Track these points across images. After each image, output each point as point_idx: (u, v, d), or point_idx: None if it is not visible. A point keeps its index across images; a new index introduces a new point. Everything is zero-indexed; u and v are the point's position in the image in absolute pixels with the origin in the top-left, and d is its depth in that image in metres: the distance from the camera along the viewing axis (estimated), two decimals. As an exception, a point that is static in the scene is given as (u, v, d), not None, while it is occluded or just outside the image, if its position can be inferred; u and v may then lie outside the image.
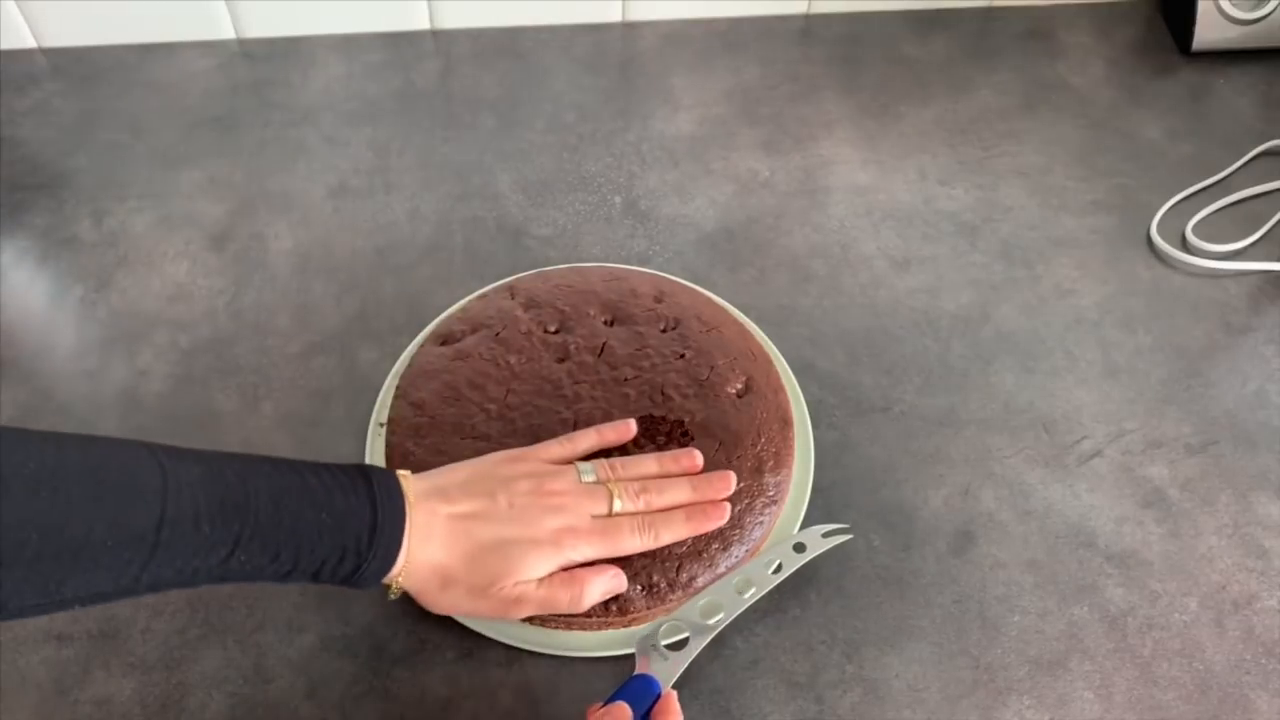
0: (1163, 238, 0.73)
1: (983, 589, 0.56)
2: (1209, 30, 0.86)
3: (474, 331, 0.62)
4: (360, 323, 0.67)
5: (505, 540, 0.48)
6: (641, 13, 0.89)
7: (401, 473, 0.48)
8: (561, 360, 0.60)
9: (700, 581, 0.53)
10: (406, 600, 0.54)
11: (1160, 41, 0.90)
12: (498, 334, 0.61)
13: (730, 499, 0.54)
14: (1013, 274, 0.71)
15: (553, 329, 0.62)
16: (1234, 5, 0.85)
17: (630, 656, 0.50)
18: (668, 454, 0.55)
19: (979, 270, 0.72)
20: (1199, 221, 0.75)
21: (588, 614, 0.51)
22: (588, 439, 0.55)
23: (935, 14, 0.91)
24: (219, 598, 0.54)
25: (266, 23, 0.86)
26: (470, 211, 0.74)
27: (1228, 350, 0.68)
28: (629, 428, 0.56)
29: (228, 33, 0.86)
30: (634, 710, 0.44)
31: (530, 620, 0.52)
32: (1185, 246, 0.73)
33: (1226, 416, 0.64)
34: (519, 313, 0.63)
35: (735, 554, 0.54)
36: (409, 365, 0.61)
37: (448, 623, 0.53)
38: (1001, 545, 0.58)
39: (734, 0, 0.89)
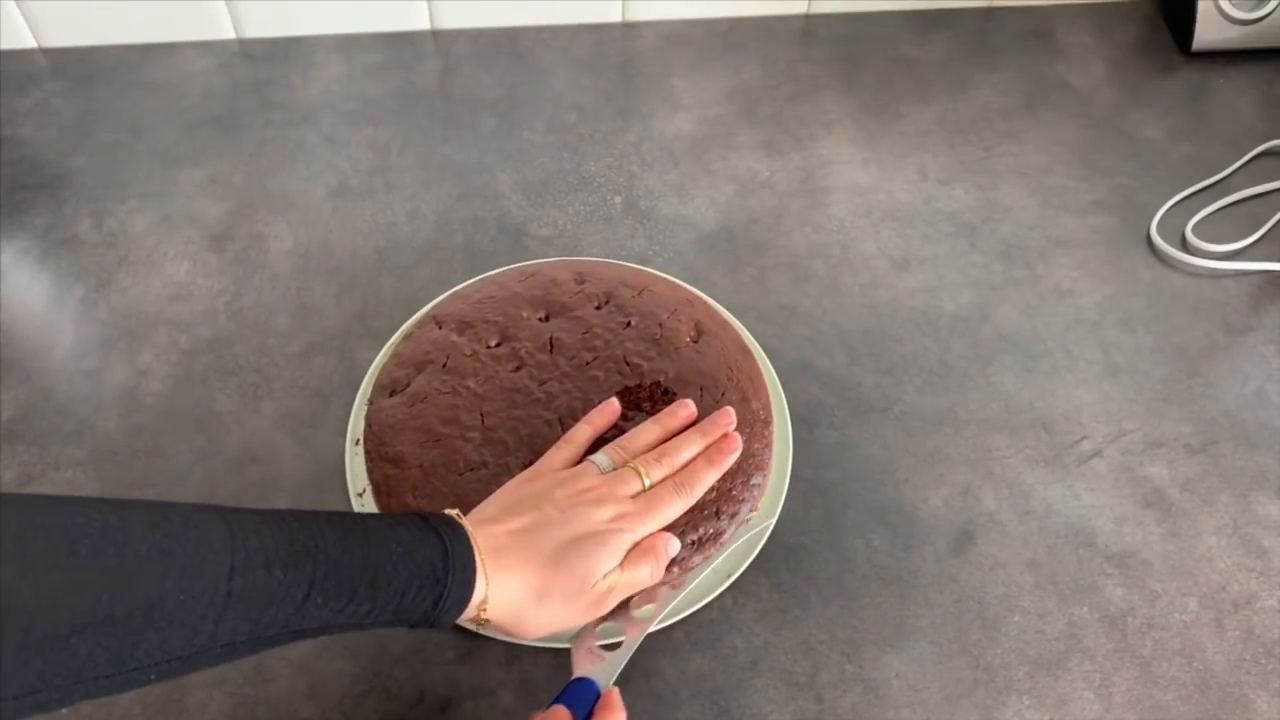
0: (1163, 238, 0.73)
1: (983, 589, 0.56)
2: (1209, 30, 0.86)
3: (419, 371, 0.60)
4: (360, 323, 0.67)
5: (575, 540, 0.48)
6: (641, 13, 0.89)
7: (450, 512, 0.47)
8: (518, 369, 0.59)
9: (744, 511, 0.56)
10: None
11: (1160, 41, 0.90)
12: (444, 365, 0.60)
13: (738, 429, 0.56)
14: (1013, 274, 0.71)
15: (494, 343, 0.61)
16: (1234, 5, 0.85)
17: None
18: (663, 412, 0.56)
19: (979, 270, 0.72)
20: (1199, 221, 0.75)
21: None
22: (583, 433, 0.55)
23: (935, 14, 0.92)
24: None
25: (266, 23, 0.86)
26: (470, 211, 0.74)
27: (1228, 350, 0.68)
28: (613, 408, 0.57)
29: (228, 33, 0.86)
30: (576, 713, 0.44)
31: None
32: (1185, 246, 0.73)
33: (1226, 416, 0.64)
34: (454, 338, 0.61)
35: (758, 480, 0.57)
36: (368, 426, 0.59)
37: (448, 623, 0.53)
38: (1001, 545, 0.58)
39: (734, 0, 0.89)
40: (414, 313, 0.66)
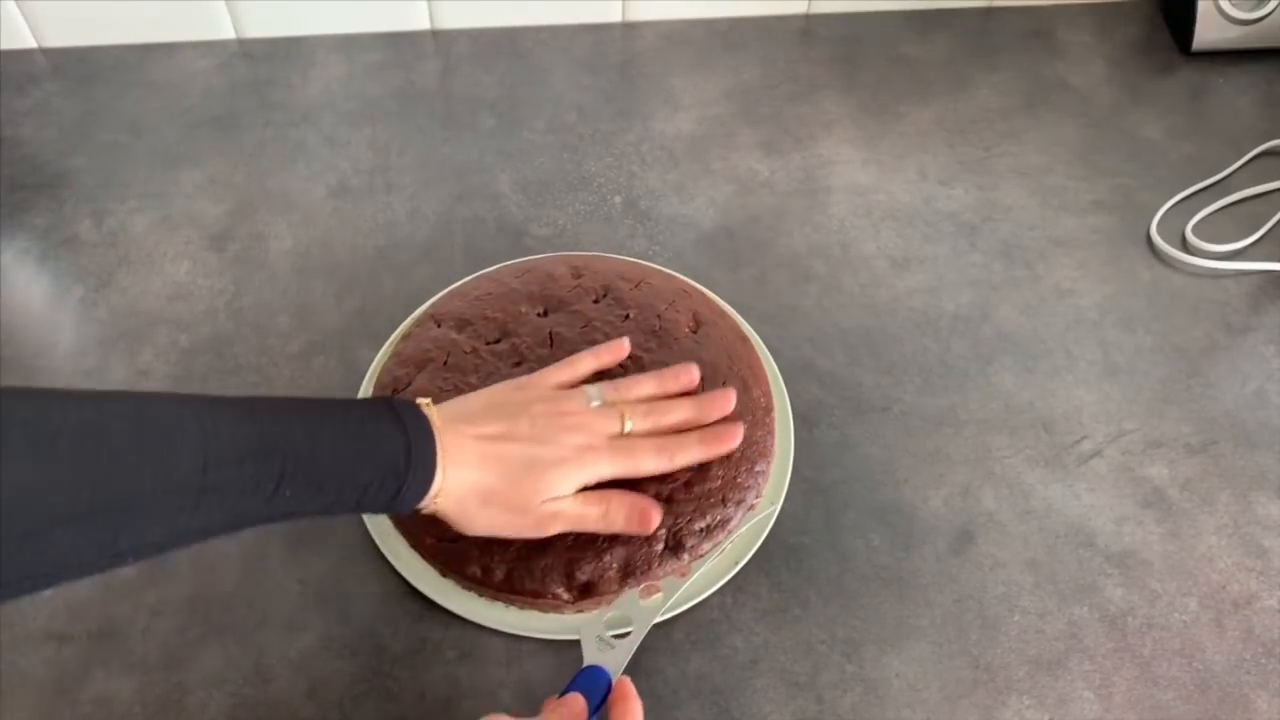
0: (1163, 238, 0.73)
1: (983, 589, 0.56)
2: (1209, 30, 0.86)
3: (419, 370, 0.60)
4: (360, 322, 0.67)
5: (534, 458, 0.49)
6: (641, 13, 0.89)
7: (422, 401, 0.49)
8: (518, 364, 0.59)
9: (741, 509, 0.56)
10: (407, 600, 0.54)
11: (1160, 41, 0.90)
12: (444, 363, 0.60)
13: (736, 419, 0.56)
14: (1013, 274, 0.71)
15: (494, 340, 0.61)
16: (1234, 5, 0.85)
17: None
18: (666, 371, 0.56)
19: (979, 270, 0.72)
20: (1199, 221, 0.75)
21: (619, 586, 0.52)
22: (586, 362, 0.56)
23: (935, 14, 0.92)
24: (219, 598, 0.54)
25: (266, 23, 0.86)
26: (470, 211, 0.74)
27: (1228, 350, 0.68)
28: (623, 346, 0.58)
29: (228, 33, 0.86)
30: (588, 700, 0.44)
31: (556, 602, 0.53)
32: (1185, 246, 0.73)
33: (1226, 416, 0.64)
34: (454, 336, 0.61)
35: (761, 468, 0.57)
36: None
37: (448, 622, 0.53)
38: (1001, 545, 0.58)
39: (734, 0, 0.89)
40: (414, 312, 0.66)
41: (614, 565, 0.53)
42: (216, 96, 0.82)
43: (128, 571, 0.55)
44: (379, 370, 0.62)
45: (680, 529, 0.54)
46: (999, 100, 0.84)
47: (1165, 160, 0.80)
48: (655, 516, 0.51)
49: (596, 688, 0.45)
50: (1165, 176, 0.78)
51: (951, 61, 0.88)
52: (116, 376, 0.64)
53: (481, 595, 0.54)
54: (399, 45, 0.87)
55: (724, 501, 0.55)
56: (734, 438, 0.55)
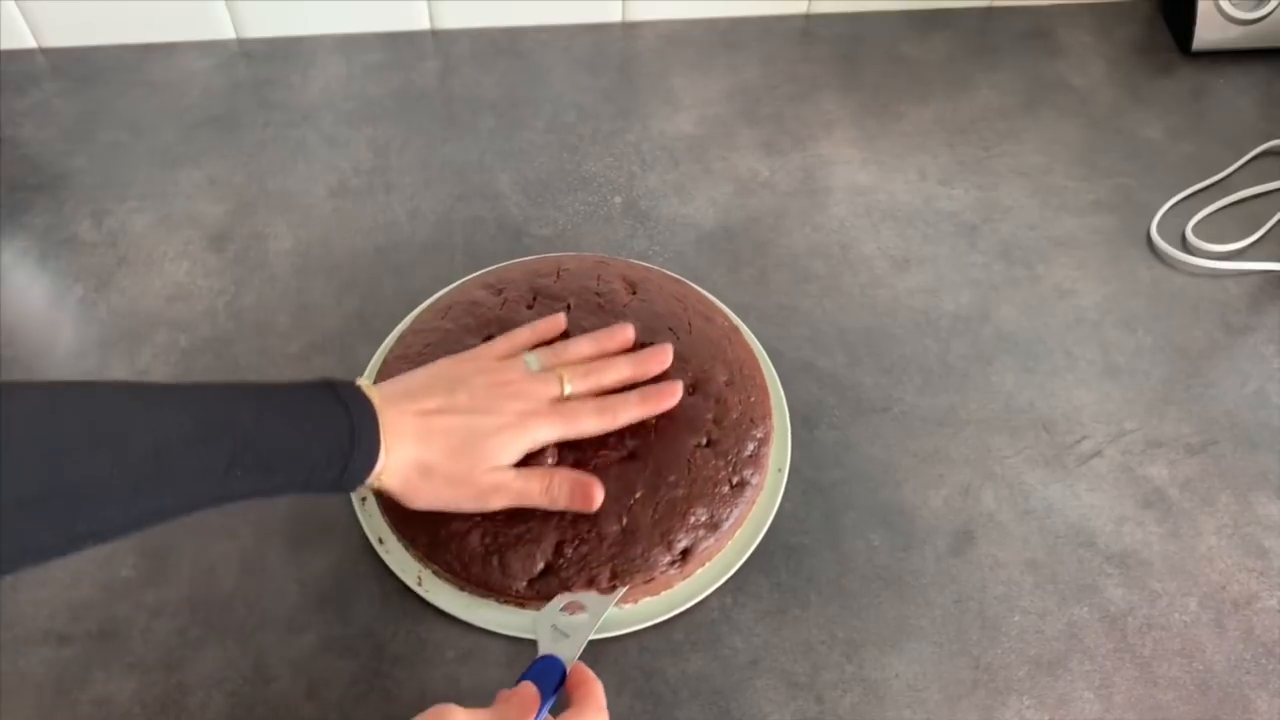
0: (1163, 238, 0.73)
1: (983, 589, 0.56)
2: (1209, 30, 0.86)
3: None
4: (360, 322, 0.67)
5: (473, 428, 0.50)
6: (641, 13, 0.89)
7: (361, 380, 0.50)
8: (489, 339, 0.59)
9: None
10: (406, 600, 0.54)
11: (1160, 41, 0.90)
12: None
13: (728, 407, 0.58)
14: (1013, 274, 0.71)
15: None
16: (1234, 5, 0.85)
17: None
18: (602, 331, 0.57)
19: (979, 270, 0.72)
20: (1199, 221, 0.75)
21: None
22: (523, 335, 0.57)
23: (935, 14, 0.92)
24: (219, 598, 0.54)
25: (266, 23, 0.86)
26: (470, 211, 0.74)
27: (1228, 350, 0.68)
28: (559, 320, 0.58)
29: (228, 33, 0.86)
30: (544, 689, 0.45)
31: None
32: (1185, 246, 0.73)
33: (1226, 416, 0.64)
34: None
35: (757, 431, 0.58)
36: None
37: (448, 623, 0.53)
38: (1001, 545, 0.58)
39: (734, 0, 0.89)
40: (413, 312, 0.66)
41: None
42: (216, 96, 0.82)
43: (128, 571, 0.55)
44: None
45: (674, 532, 0.54)
46: (999, 100, 0.84)
47: (1165, 160, 0.80)
48: (598, 493, 0.52)
49: (550, 676, 0.46)
50: (1165, 176, 0.78)
51: (951, 61, 0.88)
52: (116, 376, 0.63)
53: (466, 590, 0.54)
54: (399, 45, 0.87)
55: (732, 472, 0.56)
56: (673, 395, 0.55)
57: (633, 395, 0.55)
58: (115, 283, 0.69)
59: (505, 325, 0.60)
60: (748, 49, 0.88)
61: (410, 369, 0.56)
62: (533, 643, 0.52)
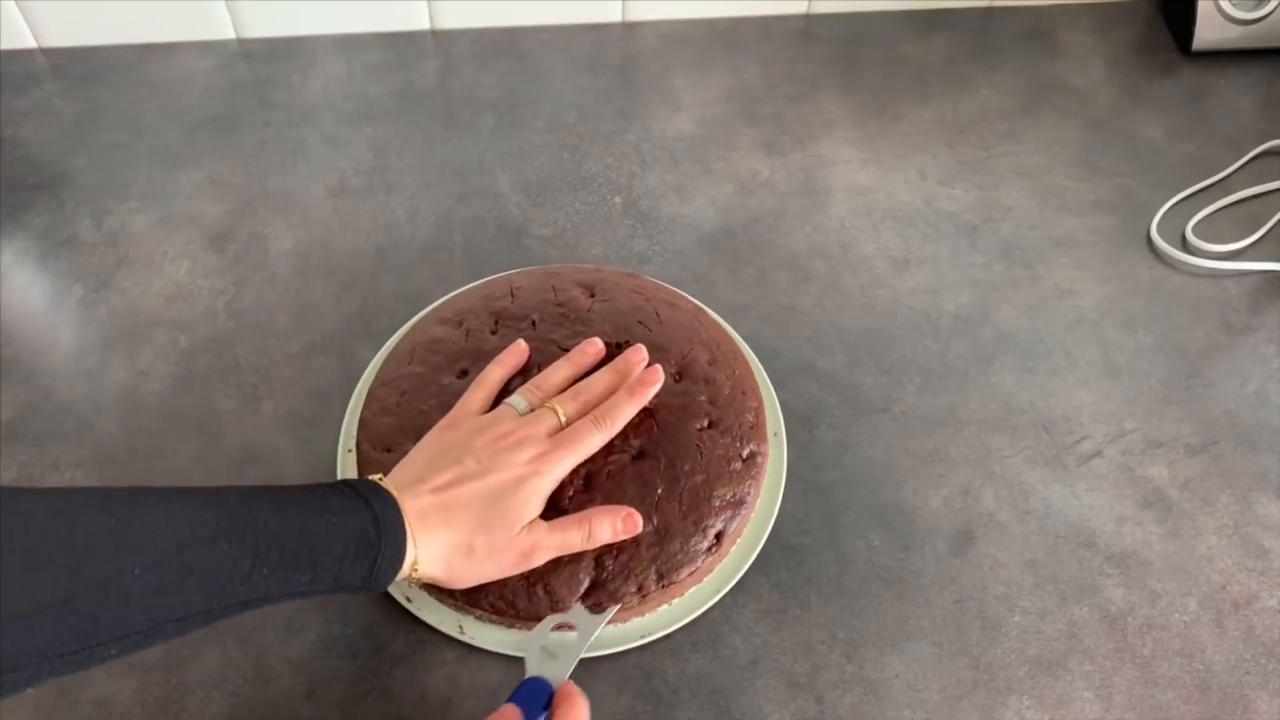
0: (1163, 238, 0.73)
1: (983, 589, 0.56)
2: (1209, 30, 0.86)
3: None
4: (360, 322, 0.67)
5: (493, 491, 0.49)
6: (641, 13, 0.89)
7: (372, 476, 0.49)
8: (462, 375, 0.59)
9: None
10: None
11: (1160, 41, 0.90)
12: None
13: (719, 385, 0.58)
14: (1013, 274, 0.71)
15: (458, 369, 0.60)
16: (1234, 5, 0.85)
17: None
18: (573, 352, 0.57)
19: (979, 270, 0.72)
20: (1199, 221, 0.75)
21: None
22: (495, 374, 0.57)
23: (935, 14, 0.91)
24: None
25: (266, 23, 0.86)
26: (470, 211, 0.74)
27: (1228, 350, 0.68)
28: (521, 348, 0.58)
29: (228, 33, 0.86)
30: (528, 711, 0.44)
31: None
32: (1185, 246, 0.73)
33: (1226, 416, 0.64)
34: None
35: (751, 401, 0.58)
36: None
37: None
38: (1001, 545, 0.58)
39: (734, 0, 0.89)
40: (414, 312, 0.66)
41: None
42: (216, 96, 0.82)
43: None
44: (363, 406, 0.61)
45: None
46: (999, 100, 0.84)
47: (1165, 160, 0.80)
48: (637, 517, 0.52)
49: (537, 698, 0.45)
50: (1165, 176, 0.78)
51: (951, 61, 0.88)
52: (116, 377, 0.64)
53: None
54: (399, 45, 0.87)
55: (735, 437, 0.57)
56: (657, 377, 0.56)
57: (620, 394, 0.55)
58: (115, 283, 0.69)
59: (475, 356, 0.59)
60: (748, 49, 0.88)
61: (393, 422, 0.56)
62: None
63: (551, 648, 0.49)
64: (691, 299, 0.66)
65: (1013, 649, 0.54)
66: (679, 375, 0.59)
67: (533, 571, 0.51)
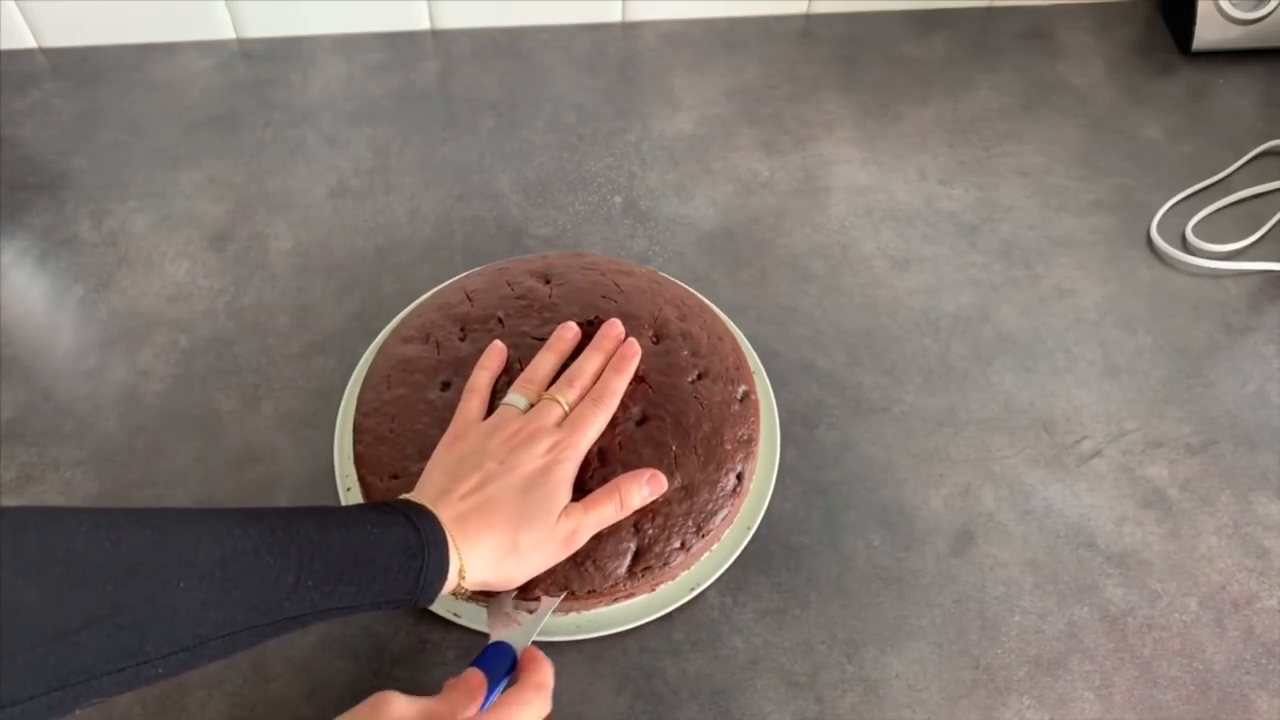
0: (1163, 238, 0.73)
1: (983, 589, 0.56)
2: (1209, 30, 0.86)
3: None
4: (360, 322, 0.67)
5: (523, 484, 0.50)
6: (641, 13, 0.89)
7: (403, 495, 0.49)
8: (445, 387, 0.58)
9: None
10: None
11: (1160, 41, 0.90)
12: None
13: (695, 337, 0.60)
14: (1013, 274, 0.71)
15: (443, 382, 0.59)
16: (1234, 5, 0.85)
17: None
18: (551, 342, 0.58)
19: (979, 270, 0.72)
20: (1199, 221, 0.75)
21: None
22: (481, 379, 0.57)
23: (935, 14, 0.91)
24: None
25: (266, 23, 0.86)
26: (470, 211, 0.74)
27: (1228, 350, 0.68)
28: (500, 349, 0.58)
29: (228, 33, 0.86)
30: (492, 675, 0.45)
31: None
32: (1185, 246, 0.73)
33: (1226, 416, 0.64)
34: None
35: (726, 343, 0.60)
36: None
37: (448, 622, 0.53)
38: (1001, 545, 0.58)
39: (734, 0, 0.89)
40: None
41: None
42: (216, 96, 0.82)
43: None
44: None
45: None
46: (999, 100, 0.84)
47: (1165, 160, 0.80)
48: (661, 475, 0.53)
49: (500, 662, 0.46)
50: (1165, 176, 0.78)
51: (951, 61, 0.88)
52: (116, 377, 0.64)
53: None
54: (399, 45, 0.87)
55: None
56: (634, 349, 0.57)
57: (607, 372, 0.56)
58: (115, 283, 0.69)
59: (453, 365, 0.59)
60: (748, 49, 0.88)
61: (391, 449, 0.56)
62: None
63: (515, 614, 0.50)
64: (641, 266, 0.67)
65: (1013, 649, 0.54)
66: (656, 337, 0.60)
67: (578, 551, 0.52)
